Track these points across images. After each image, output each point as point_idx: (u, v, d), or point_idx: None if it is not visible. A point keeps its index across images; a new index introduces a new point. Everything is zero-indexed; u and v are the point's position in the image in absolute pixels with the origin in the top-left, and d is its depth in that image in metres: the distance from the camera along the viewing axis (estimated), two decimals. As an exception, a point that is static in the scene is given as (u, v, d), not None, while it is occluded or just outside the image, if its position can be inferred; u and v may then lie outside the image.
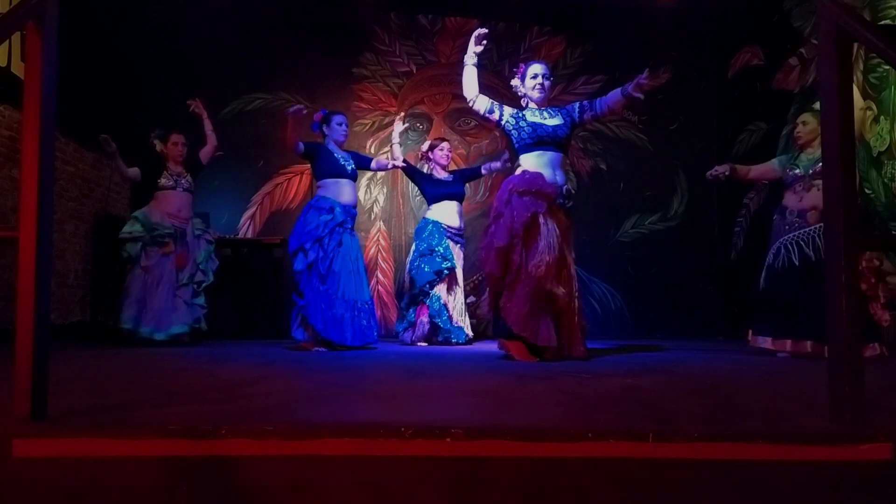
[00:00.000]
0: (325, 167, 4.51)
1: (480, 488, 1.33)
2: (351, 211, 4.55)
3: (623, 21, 6.45)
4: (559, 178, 3.57)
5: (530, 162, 3.60)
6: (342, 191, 4.49)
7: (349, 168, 4.57)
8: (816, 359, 3.56)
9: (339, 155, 4.58)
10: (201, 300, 4.85)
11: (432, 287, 4.99)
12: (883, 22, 4.34)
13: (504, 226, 3.40)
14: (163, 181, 4.83)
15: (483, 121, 3.70)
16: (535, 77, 3.68)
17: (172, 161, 4.90)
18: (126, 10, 6.03)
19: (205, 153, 5.03)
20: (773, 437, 1.38)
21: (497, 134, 6.60)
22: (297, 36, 6.49)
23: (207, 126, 4.99)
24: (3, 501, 1.31)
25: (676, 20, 6.51)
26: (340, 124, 4.64)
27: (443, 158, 5.36)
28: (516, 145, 3.66)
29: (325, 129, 4.62)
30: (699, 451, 1.35)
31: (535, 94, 3.68)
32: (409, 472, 1.34)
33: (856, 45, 1.73)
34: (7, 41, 3.69)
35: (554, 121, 3.64)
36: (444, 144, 5.47)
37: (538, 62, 3.79)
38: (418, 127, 6.61)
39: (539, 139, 3.58)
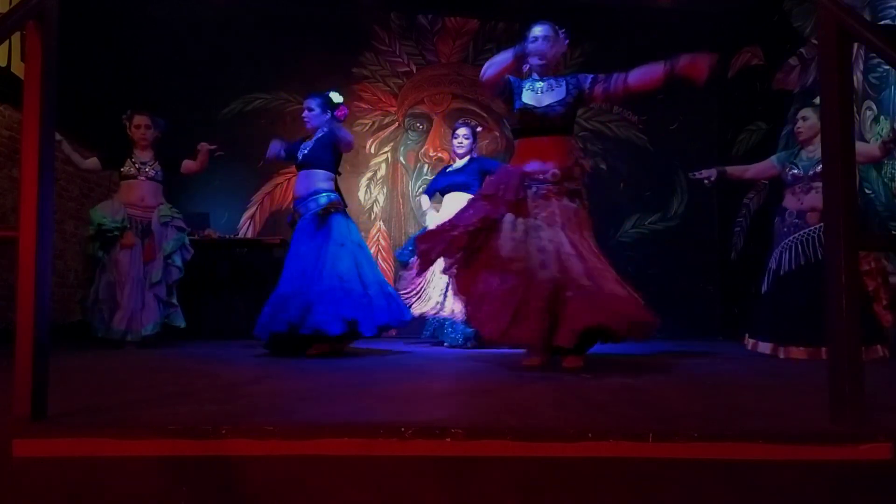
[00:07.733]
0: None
1: (480, 488, 1.33)
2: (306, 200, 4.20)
3: (623, 21, 6.44)
4: (549, 164, 3.18)
5: (520, 149, 3.31)
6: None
7: (300, 156, 4.18)
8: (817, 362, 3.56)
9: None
10: (173, 298, 4.54)
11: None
12: (883, 22, 4.33)
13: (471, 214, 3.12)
14: (125, 169, 4.55)
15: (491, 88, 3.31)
16: (534, 40, 3.36)
17: (139, 147, 4.63)
18: (126, 10, 6.03)
19: (187, 166, 4.71)
20: (773, 437, 1.38)
21: (497, 134, 6.60)
22: (297, 35, 6.49)
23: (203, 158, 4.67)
24: (3, 501, 1.31)
25: (676, 20, 6.50)
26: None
27: (459, 147, 4.89)
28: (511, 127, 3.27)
29: None
30: (699, 451, 1.35)
31: (535, 60, 3.35)
32: (409, 472, 1.34)
33: (856, 45, 1.73)
34: (7, 41, 3.69)
35: (549, 97, 3.30)
36: (461, 131, 4.94)
37: (539, 23, 3.34)
38: (418, 127, 6.61)
39: (527, 125, 3.24)
